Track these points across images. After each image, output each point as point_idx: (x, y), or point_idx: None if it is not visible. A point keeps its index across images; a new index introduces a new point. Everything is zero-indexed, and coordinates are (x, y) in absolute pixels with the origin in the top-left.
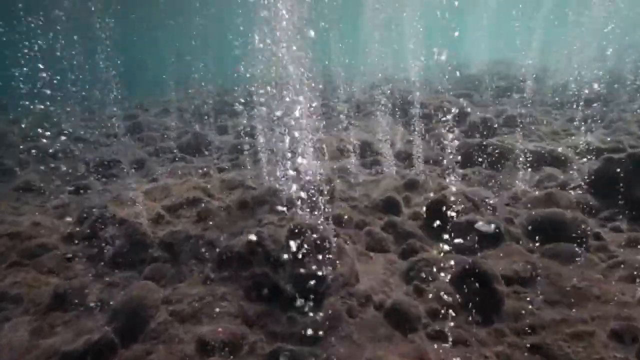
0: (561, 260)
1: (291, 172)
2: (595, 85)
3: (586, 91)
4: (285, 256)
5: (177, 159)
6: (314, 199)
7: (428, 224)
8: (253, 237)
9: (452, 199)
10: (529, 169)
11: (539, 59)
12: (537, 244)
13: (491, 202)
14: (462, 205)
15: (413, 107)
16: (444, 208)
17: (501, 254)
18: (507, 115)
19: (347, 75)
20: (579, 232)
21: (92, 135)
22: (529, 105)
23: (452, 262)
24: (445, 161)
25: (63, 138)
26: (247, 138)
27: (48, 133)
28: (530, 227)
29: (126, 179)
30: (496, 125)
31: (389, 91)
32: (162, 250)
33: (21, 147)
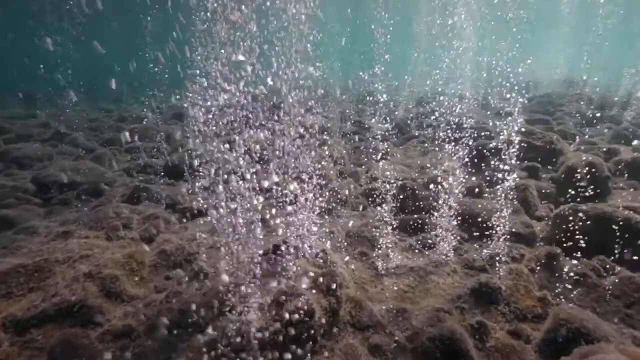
0: None
1: (276, 243)
2: None
3: None
4: None
5: (141, 189)
6: (295, 333)
7: None
8: None
9: None
10: None
11: (619, 79)
12: None
13: None
14: None
15: (473, 135)
16: None
17: None
18: (622, 158)
19: (390, 88)
20: None
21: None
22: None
23: None
24: (537, 236)
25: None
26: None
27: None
28: None
29: (64, 214)
30: (608, 175)
31: (439, 110)
32: None
33: None
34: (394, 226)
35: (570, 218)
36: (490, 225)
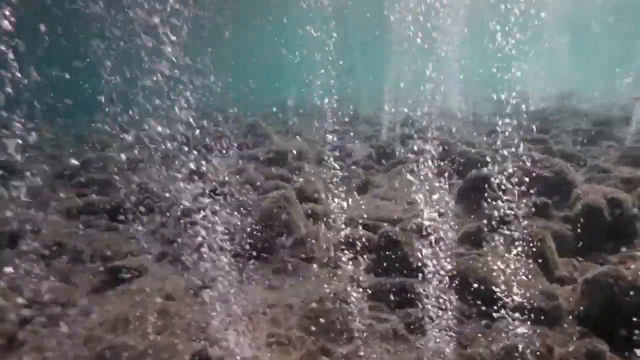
0: None
1: None
2: None
3: None
4: None
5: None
6: None
7: None
8: None
9: None
10: None
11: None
12: None
13: None
14: None
15: (470, 162)
16: None
17: None
18: None
19: (371, 104)
20: None
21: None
22: None
23: None
24: (564, 311)
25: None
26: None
27: None
28: None
29: None
30: (636, 214)
31: (430, 131)
32: None
33: None
34: (372, 293)
35: (610, 287)
36: (498, 293)
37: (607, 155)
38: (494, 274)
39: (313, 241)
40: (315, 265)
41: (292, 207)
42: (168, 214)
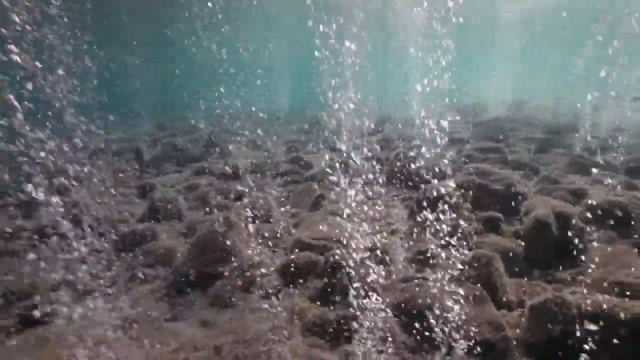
0: None
1: None
2: None
3: None
4: None
5: None
6: None
7: None
8: None
9: None
10: None
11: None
12: None
13: None
14: None
15: (425, 176)
16: None
17: None
18: (593, 203)
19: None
20: None
21: None
22: (600, 172)
23: None
24: (511, 342)
25: None
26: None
27: None
28: None
29: None
30: (582, 225)
31: (385, 143)
32: None
33: None
34: (310, 328)
35: (555, 315)
36: (443, 324)
37: (557, 163)
38: (438, 303)
39: (254, 269)
40: (254, 296)
41: (234, 230)
42: (102, 240)
